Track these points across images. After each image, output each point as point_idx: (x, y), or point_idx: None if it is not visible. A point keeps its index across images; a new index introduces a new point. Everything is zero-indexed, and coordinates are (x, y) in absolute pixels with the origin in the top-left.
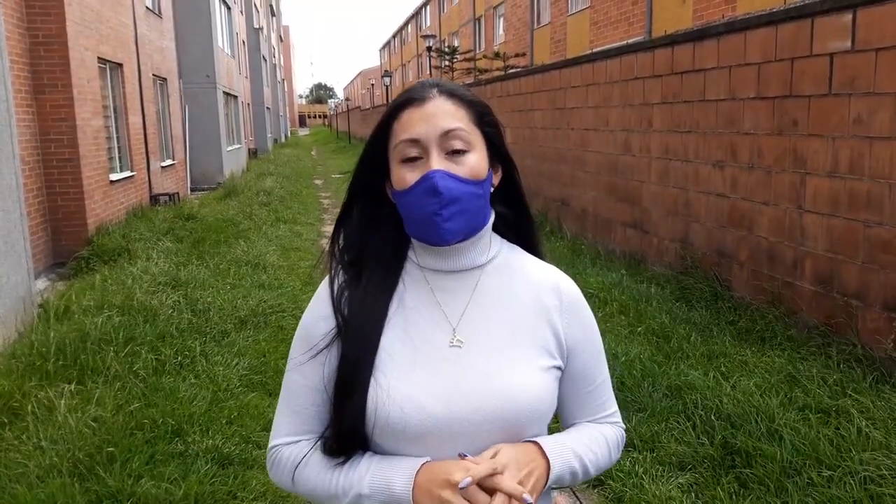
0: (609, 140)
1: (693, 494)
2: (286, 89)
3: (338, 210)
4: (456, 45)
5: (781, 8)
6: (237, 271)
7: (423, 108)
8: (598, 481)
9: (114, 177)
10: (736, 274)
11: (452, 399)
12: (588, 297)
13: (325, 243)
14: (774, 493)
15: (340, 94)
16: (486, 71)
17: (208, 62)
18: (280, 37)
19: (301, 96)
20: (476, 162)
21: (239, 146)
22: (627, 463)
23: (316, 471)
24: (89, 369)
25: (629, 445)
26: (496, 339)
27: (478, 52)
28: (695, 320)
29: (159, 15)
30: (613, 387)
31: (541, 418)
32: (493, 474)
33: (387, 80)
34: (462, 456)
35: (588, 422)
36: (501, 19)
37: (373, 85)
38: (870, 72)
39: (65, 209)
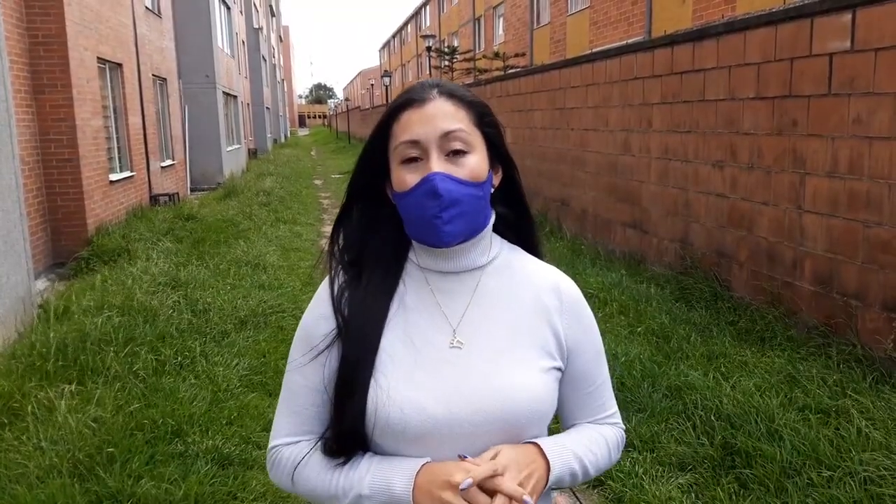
0: (609, 140)
1: (693, 495)
2: (286, 89)
3: (337, 210)
4: (455, 45)
5: (781, 8)
6: (237, 272)
7: (423, 109)
8: (598, 482)
9: (113, 177)
10: (736, 274)
11: (452, 400)
12: (588, 297)
13: (324, 243)
14: (774, 494)
15: (340, 95)
16: (485, 71)
17: (208, 62)
18: (280, 37)
19: (301, 96)
20: (476, 163)
21: (238, 146)
22: (627, 463)
23: (316, 471)
24: (89, 370)
25: (629, 446)
26: (496, 340)
27: (477, 52)
28: (694, 320)
29: (159, 15)
30: (613, 387)
31: (541, 419)
32: (493, 476)
33: (386, 80)
34: (461, 457)
35: (588, 423)
36: (501, 19)
37: (372, 85)
38: (869, 72)
39: (64, 209)
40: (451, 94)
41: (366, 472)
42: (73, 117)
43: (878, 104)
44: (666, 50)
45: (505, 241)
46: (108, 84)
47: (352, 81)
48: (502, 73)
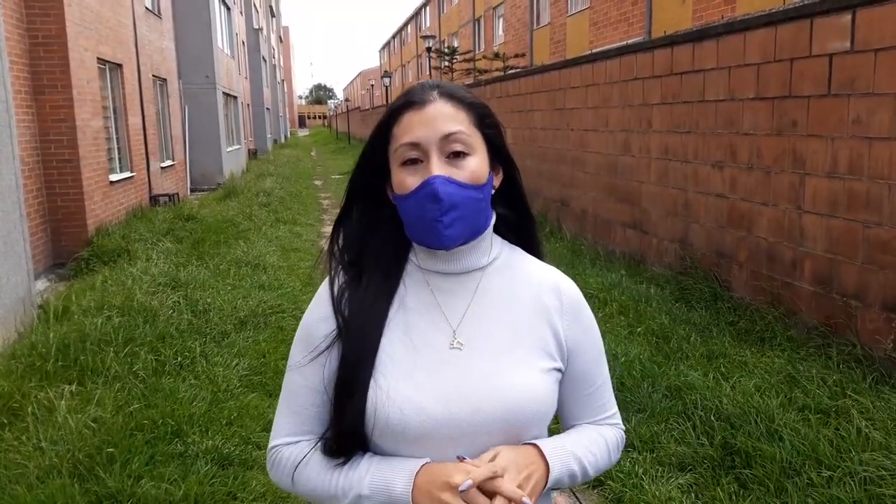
0: (608, 140)
1: (693, 495)
2: (286, 90)
3: (337, 211)
4: (455, 45)
5: (781, 8)
6: (237, 272)
7: (423, 111)
8: (597, 482)
9: (113, 177)
10: (735, 274)
11: (452, 400)
12: (588, 297)
13: (324, 244)
14: (774, 494)
15: (340, 95)
16: (485, 71)
17: (208, 63)
18: (280, 37)
19: (301, 97)
20: (476, 165)
21: (238, 147)
22: (627, 463)
23: (316, 471)
24: (89, 370)
25: (629, 446)
26: (497, 340)
27: (477, 52)
28: (694, 321)
29: (159, 15)
30: (613, 387)
31: (541, 420)
32: (492, 477)
33: (386, 80)
34: (460, 458)
35: (588, 423)
36: (501, 20)
37: (372, 86)
38: (869, 72)
39: (64, 210)
40: (451, 96)
41: (365, 473)
42: (73, 118)
43: (877, 104)
44: (666, 50)
45: (505, 242)
46: (108, 84)
47: (352, 82)
48: (502, 73)
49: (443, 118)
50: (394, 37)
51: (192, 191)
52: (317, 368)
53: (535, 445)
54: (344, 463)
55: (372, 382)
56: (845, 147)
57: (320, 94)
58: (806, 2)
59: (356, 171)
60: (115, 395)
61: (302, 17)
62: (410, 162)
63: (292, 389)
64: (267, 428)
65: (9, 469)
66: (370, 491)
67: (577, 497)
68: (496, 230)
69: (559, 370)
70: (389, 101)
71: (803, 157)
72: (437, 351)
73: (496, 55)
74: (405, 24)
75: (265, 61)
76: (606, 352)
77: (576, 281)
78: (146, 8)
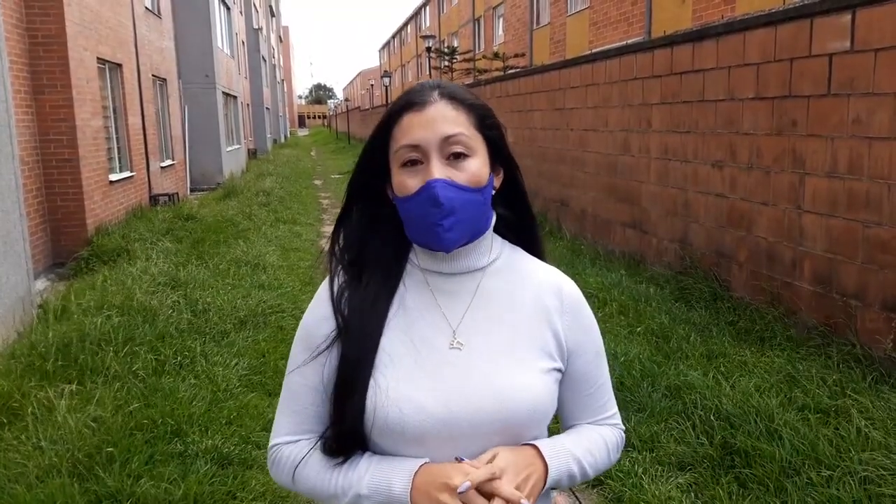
0: (608, 140)
1: (692, 494)
2: (285, 90)
3: (337, 210)
4: (455, 45)
5: (780, 8)
6: (237, 271)
7: (424, 112)
8: (597, 481)
9: (113, 177)
10: (735, 274)
11: (452, 400)
12: (587, 297)
13: (324, 243)
14: (774, 493)
15: (340, 95)
16: (485, 71)
17: (208, 62)
18: (279, 37)
19: (300, 97)
20: (477, 167)
21: (238, 146)
22: (627, 463)
23: (316, 470)
24: (89, 369)
25: (629, 445)
26: (497, 341)
27: (477, 52)
28: (694, 320)
29: (158, 15)
30: (613, 387)
31: (541, 420)
32: (491, 479)
33: (386, 80)
34: (458, 459)
35: (588, 423)
36: (501, 20)
37: (372, 85)
38: (869, 72)
39: (64, 209)
40: (452, 97)
41: (364, 472)
42: (72, 117)
43: (877, 104)
44: (665, 50)
45: (506, 242)
46: (108, 84)
47: (352, 82)
48: (502, 73)
49: (443, 120)
50: (393, 37)
51: (191, 190)
52: (317, 368)
53: (533, 446)
54: (343, 462)
55: (371, 382)
56: (845, 147)
57: (320, 94)
58: (806, 2)
59: (356, 171)
60: (115, 394)
61: (302, 17)
62: (411, 163)
63: (292, 389)
64: (266, 427)
65: (8, 468)
66: (369, 490)
67: (576, 496)
68: (497, 230)
69: (559, 370)
70: (389, 101)
71: (803, 156)
72: (436, 351)
73: (496, 55)
74: (405, 24)
75: (265, 61)
76: (606, 351)
77: (575, 281)
78: (146, 8)
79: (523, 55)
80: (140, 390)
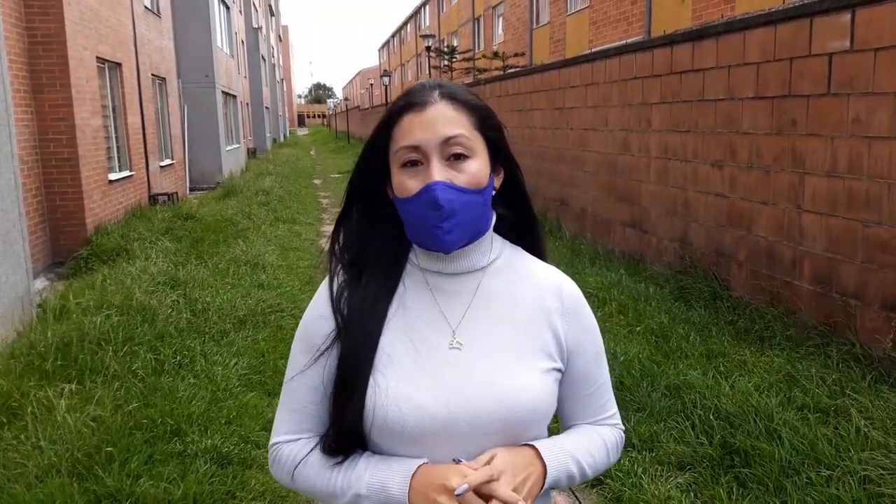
0: (608, 140)
1: (692, 494)
2: (285, 89)
3: (337, 210)
4: (455, 44)
5: (780, 8)
6: (236, 271)
7: (424, 113)
8: (597, 481)
9: (112, 176)
10: (735, 273)
11: (452, 400)
12: (587, 296)
13: (324, 243)
14: (773, 493)
15: (339, 94)
16: (485, 70)
17: (207, 62)
18: (279, 36)
19: (300, 96)
20: (477, 169)
21: (238, 146)
22: (626, 462)
23: (315, 469)
24: (88, 369)
25: (628, 445)
26: (496, 341)
27: (477, 51)
28: (694, 320)
29: (158, 14)
30: (613, 387)
31: (540, 420)
32: (489, 481)
33: (386, 79)
34: (456, 461)
35: (588, 423)
36: (500, 19)
37: (372, 85)
38: (868, 72)
39: (63, 209)
40: (452, 97)
41: (363, 472)
42: (72, 117)
43: (877, 104)
44: (665, 49)
45: (506, 242)
46: (108, 83)
47: (351, 81)
48: (501, 72)
49: (443, 121)
50: (393, 36)
51: (191, 190)
52: (316, 367)
53: (532, 447)
54: (343, 461)
55: (371, 381)
56: (845, 146)
57: (319, 94)
58: (805, 1)
59: (356, 171)
60: (114, 394)
61: (301, 16)
62: (410, 164)
63: (292, 388)
64: (266, 427)
65: (8, 468)
66: (368, 490)
67: (576, 496)
68: (497, 230)
69: (559, 370)
70: (389, 101)
71: (803, 156)
72: (436, 351)
73: (496, 54)
74: (405, 24)
75: (264, 60)
76: (606, 351)
77: (575, 280)
78: (145, 7)
79: (523, 54)
80: (139, 390)
